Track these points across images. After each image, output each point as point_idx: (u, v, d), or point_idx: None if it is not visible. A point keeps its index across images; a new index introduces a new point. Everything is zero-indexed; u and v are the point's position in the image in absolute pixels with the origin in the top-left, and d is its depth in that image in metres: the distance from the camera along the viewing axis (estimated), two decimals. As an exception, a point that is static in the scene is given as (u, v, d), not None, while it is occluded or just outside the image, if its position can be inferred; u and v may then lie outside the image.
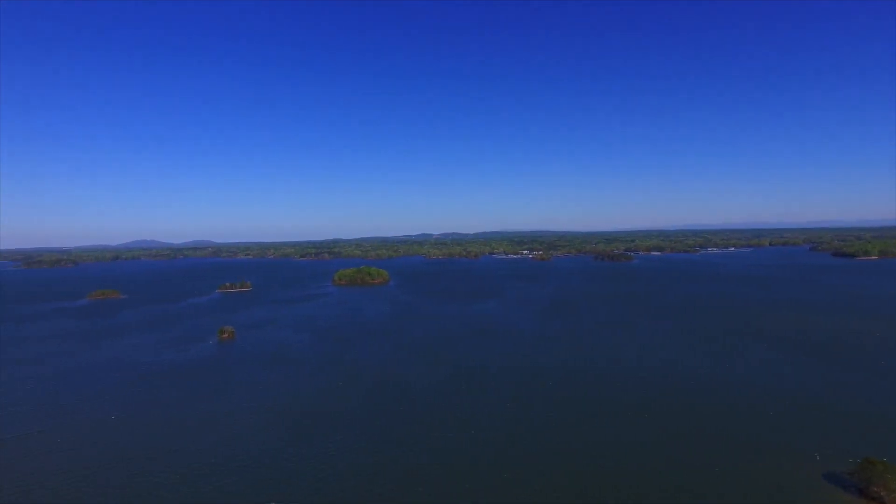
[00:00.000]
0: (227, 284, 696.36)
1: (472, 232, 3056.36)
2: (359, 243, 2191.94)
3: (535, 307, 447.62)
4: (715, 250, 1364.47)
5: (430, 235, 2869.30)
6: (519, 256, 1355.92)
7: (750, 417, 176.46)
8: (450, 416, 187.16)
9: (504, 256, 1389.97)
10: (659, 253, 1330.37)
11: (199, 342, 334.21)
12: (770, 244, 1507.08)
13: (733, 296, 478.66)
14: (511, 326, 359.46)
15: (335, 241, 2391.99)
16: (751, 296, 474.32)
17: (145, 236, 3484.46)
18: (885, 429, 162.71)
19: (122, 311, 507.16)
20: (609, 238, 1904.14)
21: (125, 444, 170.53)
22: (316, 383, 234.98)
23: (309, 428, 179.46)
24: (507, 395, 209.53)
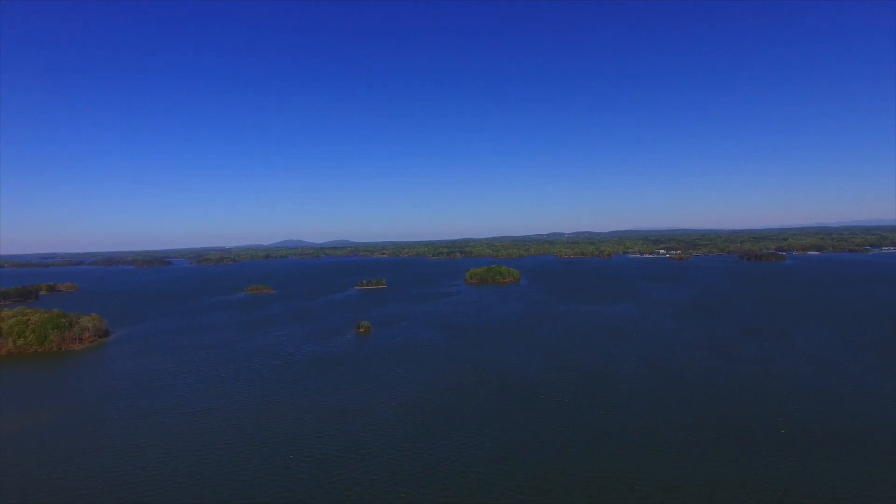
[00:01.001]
0: (365, 282, 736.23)
1: (604, 231, 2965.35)
2: (490, 243, 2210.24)
3: (673, 310, 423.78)
4: (893, 249, 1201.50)
5: (562, 234, 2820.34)
6: (655, 256, 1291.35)
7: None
8: (579, 421, 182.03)
9: (639, 256, 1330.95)
10: (817, 252, 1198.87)
11: (338, 336, 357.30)
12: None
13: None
14: (646, 329, 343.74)
15: (467, 241, 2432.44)
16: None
17: (292, 236, 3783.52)
18: None
19: (273, 304, 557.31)
20: (757, 236, 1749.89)
21: (275, 424, 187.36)
22: (445, 380, 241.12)
23: (436, 423, 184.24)
24: (641, 404, 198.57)
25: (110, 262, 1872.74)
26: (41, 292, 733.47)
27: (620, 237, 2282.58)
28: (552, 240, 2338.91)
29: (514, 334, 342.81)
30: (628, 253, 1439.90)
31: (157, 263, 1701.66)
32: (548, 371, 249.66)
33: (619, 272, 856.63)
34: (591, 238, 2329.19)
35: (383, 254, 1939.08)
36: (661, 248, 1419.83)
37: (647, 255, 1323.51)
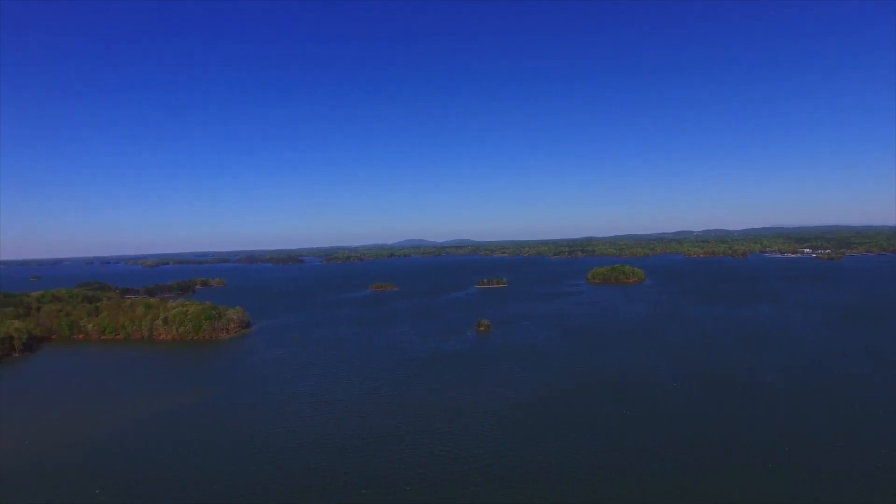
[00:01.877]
0: (485, 280, 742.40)
1: (738, 228, 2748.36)
2: (613, 241, 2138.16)
3: (822, 315, 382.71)
4: None
5: (690, 233, 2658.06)
6: (799, 255, 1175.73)
7: None
8: (704, 434, 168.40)
9: (779, 255, 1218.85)
10: None
11: (458, 334, 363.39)
12: None
13: None
14: (787, 335, 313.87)
15: (589, 240, 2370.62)
16: None
17: (415, 236, 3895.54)
18: None
19: (396, 301, 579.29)
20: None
21: (395, 419, 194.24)
22: (562, 381, 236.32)
23: (550, 426, 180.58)
24: (780, 418, 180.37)
25: (251, 260, 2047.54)
26: (197, 286, 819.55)
27: (756, 235, 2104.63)
28: (679, 238, 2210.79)
29: (637, 337, 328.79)
30: (766, 252, 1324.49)
31: (290, 261, 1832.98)
32: (673, 377, 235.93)
33: (756, 272, 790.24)
34: (723, 236, 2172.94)
35: (503, 253, 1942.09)
36: (807, 247, 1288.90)
37: (789, 255, 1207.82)
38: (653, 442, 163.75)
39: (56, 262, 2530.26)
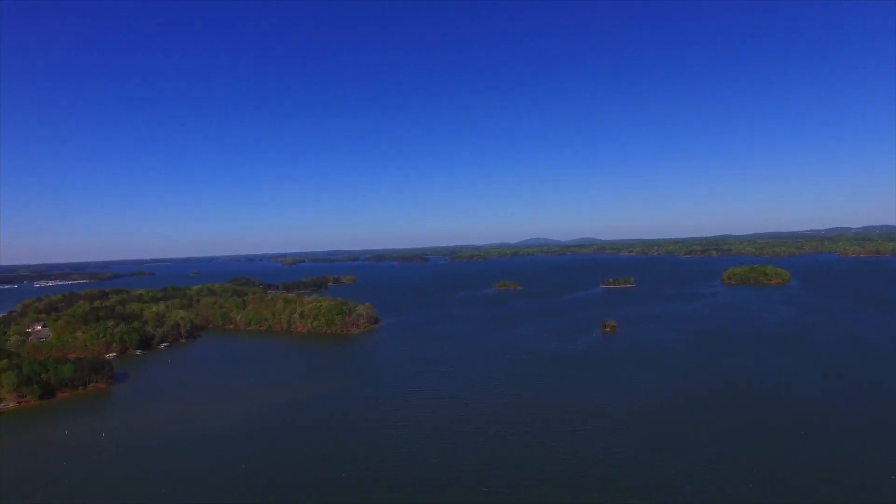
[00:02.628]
0: (611, 280, 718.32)
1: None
2: (752, 240, 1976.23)
3: None
4: None
5: (847, 229, 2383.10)
6: None
7: None
8: (858, 461, 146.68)
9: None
10: None
11: (582, 334, 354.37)
12: None
13: None
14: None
15: (724, 238, 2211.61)
16: None
17: (538, 234, 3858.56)
18: None
19: (519, 300, 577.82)
20: None
21: (514, 418, 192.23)
22: (691, 390, 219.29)
23: (673, 438, 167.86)
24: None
25: (379, 259, 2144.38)
26: (329, 283, 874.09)
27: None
28: (833, 235, 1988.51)
29: (779, 344, 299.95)
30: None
31: (416, 260, 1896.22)
32: (822, 391, 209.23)
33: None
34: (890, 233, 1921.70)
35: (630, 252, 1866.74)
36: None
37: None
38: (786, 468, 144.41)
39: (211, 260, 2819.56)
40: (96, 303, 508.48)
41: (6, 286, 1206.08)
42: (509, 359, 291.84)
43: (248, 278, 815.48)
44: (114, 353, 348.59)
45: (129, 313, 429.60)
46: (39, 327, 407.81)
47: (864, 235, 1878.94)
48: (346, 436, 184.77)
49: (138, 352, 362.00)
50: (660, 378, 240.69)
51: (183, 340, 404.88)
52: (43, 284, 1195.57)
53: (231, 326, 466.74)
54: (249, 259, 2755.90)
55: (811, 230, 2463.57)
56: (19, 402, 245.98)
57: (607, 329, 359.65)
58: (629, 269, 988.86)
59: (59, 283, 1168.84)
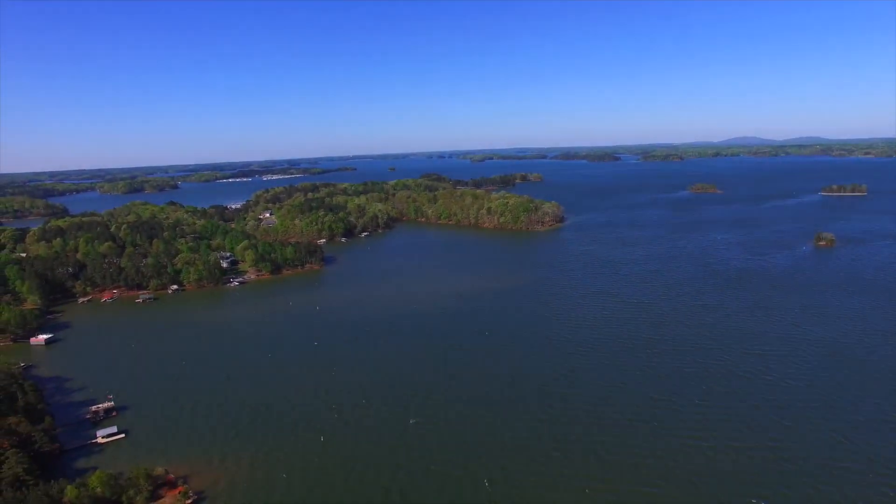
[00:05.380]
0: (835, 187, 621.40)
1: None
2: None
3: None
4: None
5: None
6: None
7: None
8: None
9: None
10: None
11: (788, 248, 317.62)
12: None
13: None
14: None
15: None
16: None
17: (746, 133, 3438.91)
18: None
19: (716, 205, 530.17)
20: None
21: (688, 336, 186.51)
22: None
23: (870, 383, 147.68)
24: None
25: (567, 157, 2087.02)
26: (517, 180, 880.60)
27: None
28: None
29: None
30: None
31: (606, 159, 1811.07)
32: None
33: None
34: None
35: (868, 153, 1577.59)
36: None
37: None
38: None
39: (406, 156, 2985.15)
40: (309, 195, 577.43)
41: (243, 179, 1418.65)
42: (695, 268, 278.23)
43: (439, 175, 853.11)
44: (324, 240, 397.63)
45: (335, 205, 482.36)
46: (268, 214, 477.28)
47: None
48: (526, 328, 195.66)
49: (343, 239, 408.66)
50: (884, 309, 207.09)
51: (380, 230, 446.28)
52: (269, 178, 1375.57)
53: (423, 219, 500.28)
54: (441, 156, 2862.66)
55: None
56: (257, 275, 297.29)
57: (822, 243, 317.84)
58: (862, 173, 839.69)
59: (280, 177, 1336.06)
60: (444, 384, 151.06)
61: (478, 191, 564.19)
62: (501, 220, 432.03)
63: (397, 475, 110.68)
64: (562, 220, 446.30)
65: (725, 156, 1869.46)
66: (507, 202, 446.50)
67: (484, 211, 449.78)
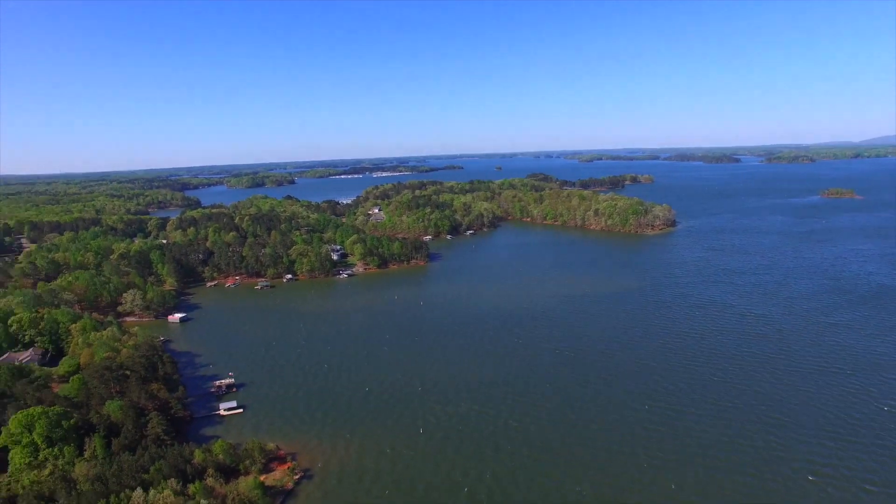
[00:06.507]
0: None
1: None
2: None
3: None
4: None
5: None
6: None
7: None
8: None
9: None
10: None
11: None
12: None
13: None
14: None
15: None
16: None
17: (891, 132, 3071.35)
18: None
19: (853, 213, 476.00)
20: None
21: (814, 357, 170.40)
22: None
23: None
24: None
25: (681, 158, 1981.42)
26: (626, 182, 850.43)
27: None
28: None
29: None
30: None
31: (724, 160, 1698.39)
32: None
33: None
34: None
35: None
36: None
37: None
38: None
39: (513, 156, 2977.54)
40: (417, 192, 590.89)
41: (355, 176, 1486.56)
42: (821, 283, 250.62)
43: (545, 174, 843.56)
44: (429, 236, 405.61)
45: (442, 202, 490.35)
46: (377, 210, 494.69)
47: None
48: (627, 334, 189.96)
49: (448, 236, 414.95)
50: None
51: (485, 229, 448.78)
52: (379, 175, 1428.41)
53: (528, 219, 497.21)
54: (548, 156, 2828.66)
55: None
56: (364, 269, 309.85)
57: None
58: None
59: (389, 175, 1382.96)
60: (541, 385, 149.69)
61: (585, 191, 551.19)
62: (609, 222, 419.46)
63: (485, 473, 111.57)
64: (673, 224, 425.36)
65: (867, 157, 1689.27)
66: (616, 204, 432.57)
67: (591, 212, 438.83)
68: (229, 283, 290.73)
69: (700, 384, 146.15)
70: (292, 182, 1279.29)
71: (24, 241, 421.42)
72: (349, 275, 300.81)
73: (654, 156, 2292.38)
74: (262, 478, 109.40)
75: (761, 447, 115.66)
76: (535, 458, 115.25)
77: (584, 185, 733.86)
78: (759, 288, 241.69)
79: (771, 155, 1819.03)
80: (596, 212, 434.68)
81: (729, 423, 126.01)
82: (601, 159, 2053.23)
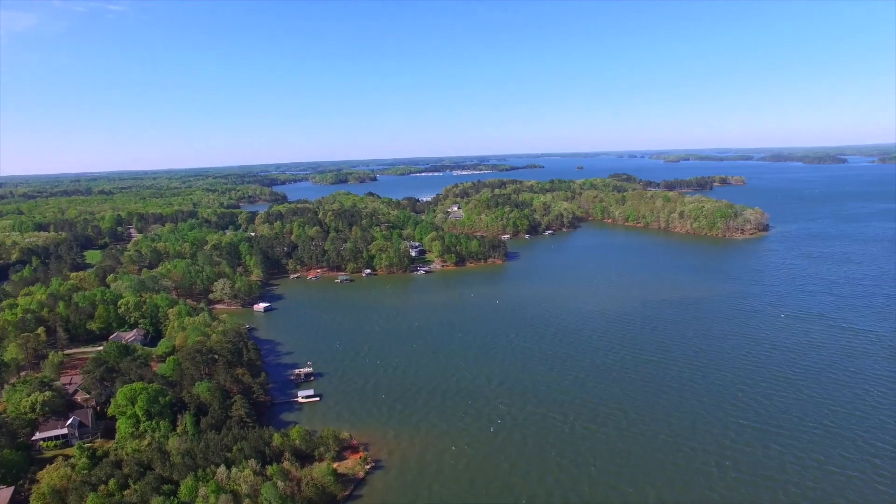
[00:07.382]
0: None
1: None
2: None
3: None
4: None
5: None
6: None
7: None
8: None
9: None
10: None
11: None
12: None
13: None
14: None
15: None
16: None
17: None
18: None
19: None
20: None
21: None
22: None
23: None
24: None
25: (778, 158, 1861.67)
26: (714, 183, 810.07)
27: None
28: None
29: None
30: None
31: (828, 161, 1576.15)
32: None
33: None
34: None
35: None
36: None
37: None
38: None
39: (595, 155, 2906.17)
40: (496, 191, 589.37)
41: (435, 173, 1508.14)
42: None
43: (628, 175, 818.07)
44: (508, 235, 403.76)
45: (521, 201, 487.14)
46: (455, 208, 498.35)
47: None
48: (711, 343, 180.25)
49: (527, 236, 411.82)
50: None
51: (565, 229, 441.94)
52: (459, 173, 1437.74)
53: (609, 220, 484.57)
54: (632, 156, 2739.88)
55: None
56: (442, 265, 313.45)
57: None
58: None
59: (469, 173, 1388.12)
60: (613, 391, 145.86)
61: (670, 193, 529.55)
62: (695, 225, 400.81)
63: (546, 478, 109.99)
64: (766, 228, 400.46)
65: None
66: (703, 206, 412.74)
67: (676, 214, 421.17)
68: (311, 275, 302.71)
69: (796, 402, 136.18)
70: (374, 179, 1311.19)
71: (132, 230, 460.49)
72: (426, 271, 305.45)
73: (746, 156, 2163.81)
74: (335, 465, 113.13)
75: (865, 471, 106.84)
76: (600, 468, 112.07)
77: (669, 186, 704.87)
78: (863, 300, 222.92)
79: (885, 155, 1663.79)
80: (681, 214, 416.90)
81: (833, 446, 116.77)
82: (688, 159, 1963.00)
